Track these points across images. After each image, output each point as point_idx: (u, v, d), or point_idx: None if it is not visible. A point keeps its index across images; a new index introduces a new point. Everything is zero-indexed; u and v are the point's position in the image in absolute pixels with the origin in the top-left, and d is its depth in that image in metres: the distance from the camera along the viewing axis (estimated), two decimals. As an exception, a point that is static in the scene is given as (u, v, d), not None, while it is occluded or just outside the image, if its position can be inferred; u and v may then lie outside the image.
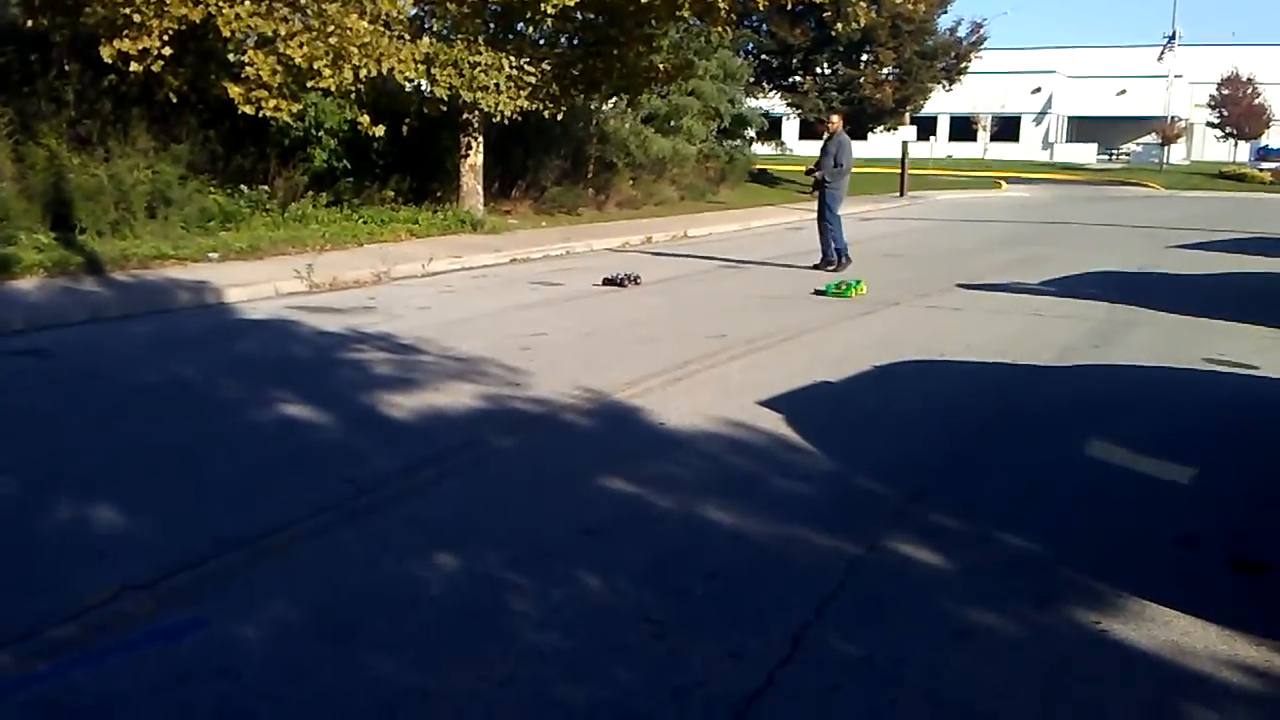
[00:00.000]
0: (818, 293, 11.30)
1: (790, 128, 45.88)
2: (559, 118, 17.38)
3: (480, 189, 17.23)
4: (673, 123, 24.53)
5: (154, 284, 10.52)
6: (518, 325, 9.22)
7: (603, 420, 6.25)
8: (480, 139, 16.91)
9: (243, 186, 14.53)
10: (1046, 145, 64.93)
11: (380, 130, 14.76)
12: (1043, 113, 65.93)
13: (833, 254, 13.65)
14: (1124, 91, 63.88)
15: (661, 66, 17.48)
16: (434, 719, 2.93)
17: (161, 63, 12.76)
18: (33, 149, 12.52)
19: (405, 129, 15.79)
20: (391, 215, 15.80)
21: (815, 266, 13.63)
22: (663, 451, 5.58)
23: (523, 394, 6.72)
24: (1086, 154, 62.06)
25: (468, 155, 16.93)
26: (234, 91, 13.40)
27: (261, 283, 10.93)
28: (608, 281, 11.67)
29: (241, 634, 3.40)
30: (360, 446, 5.57)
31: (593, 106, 20.73)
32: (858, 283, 11.40)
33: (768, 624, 3.54)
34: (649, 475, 5.11)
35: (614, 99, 20.01)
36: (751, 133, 30.86)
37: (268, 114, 13.70)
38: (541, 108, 16.29)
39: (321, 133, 15.32)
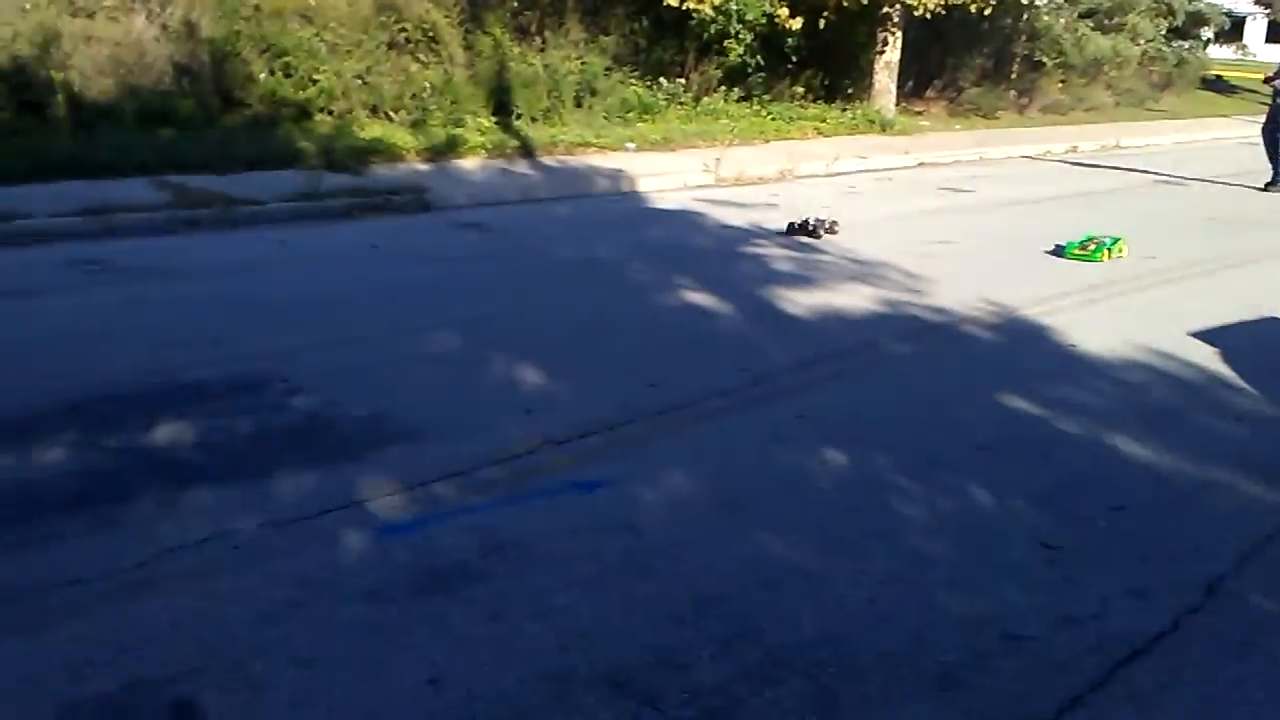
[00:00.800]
0: (1056, 251, 8.22)
1: (1255, 29, 40.18)
2: (985, 12, 16.36)
3: (893, 88, 16.71)
4: (1115, 19, 22.26)
5: (577, 169, 11.28)
6: (922, 231, 8.95)
7: (1007, 335, 5.97)
8: (898, 35, 16.33)
9: (661, 79, 15.07)
10: None
11: (797, 23, 14.67)
12: None
13: None
14: None
15: (1109, -45, 15.89)
16: (817, 599, 3.02)
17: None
18: (480, 38, 13.68)
19: (822, 23, 15.57)
20: (800, 112, 15.76)
21: (1265, 187, 12.02)
22: (1071, 374, 5.25)
23: (922, 301, 6.56)
24: None
25: (883, 52, 16.43)
26: (660, -18, 13.85)
27: (672, 174, 11.38)
28: (792, 229, 8.73)
29: (643, 496, 3.66)
30: (756, 338, 5.71)
31: (1024, 0, 19.27)
32: (1115, 241, 8.09)
33: (1178, 568, 3.28)
34: (1054, 397, 4.84)
35: (1050, -9, 18.51)
36: (1208, 33, 27.36)
37: (690, 6, 14.06)
38: (968, 1, 15.41)
39: (739, 26, 15.46)
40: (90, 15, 10.96)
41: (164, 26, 11.20)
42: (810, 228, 8.71)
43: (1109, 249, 7.93)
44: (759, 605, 2.97)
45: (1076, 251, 7.97)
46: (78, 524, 3.28)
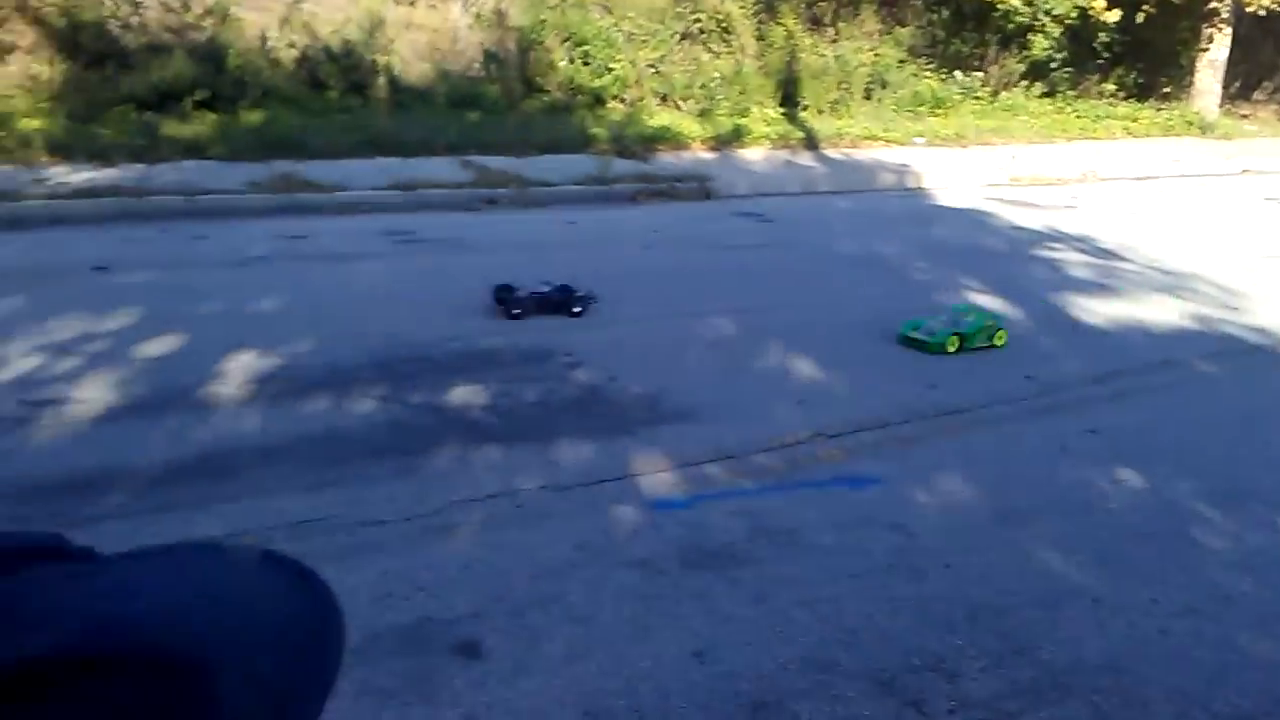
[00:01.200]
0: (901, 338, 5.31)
1: None
2: (1332, 8, 14.75)
3: (1217, 88, 15.37)
4: None
5: (862, 163, 11.08)
6: (1243, 243, 8.19)
7: (1338, 362, 5.38)
8: (1228, 31, 14.99)
9: (956, 72, 14.55)
10: None
11: (1113, 16, 13.78)
12: None
13: None
14: None
15: None
16: (1101, 624, 2.84)
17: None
18: (773, 28, 13.69)
19: (1140, 16, 14.52)
20: (1108, 111, 14.80)
21: None
22: None
23: (1239, 319, 6.01)
24: None
25: (1208, 49, 15.15)
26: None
27: (962, 171, 10.97)
28: (499, 299, 5.41)
29: (915, 498, 3.57)
30: (1046, 346, 5.43)
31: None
32: (981, 325, 5.27)
33: None
34: (1393, 434, 4.32)
35: None
36: None
37: (996, -2, 13.49)
38: (1311, -5, 13.96)
39: (1047, 19, 14.68)
40: (411, 3, 11.85)
41: (477, 15, 11.95)
42: (513, 301, 5.34)
43: (966, 336, 5.19)
44: (1036, 622, 2.83)
45: (911, 335, 5.24)
46: (383, 470, 3.58)
